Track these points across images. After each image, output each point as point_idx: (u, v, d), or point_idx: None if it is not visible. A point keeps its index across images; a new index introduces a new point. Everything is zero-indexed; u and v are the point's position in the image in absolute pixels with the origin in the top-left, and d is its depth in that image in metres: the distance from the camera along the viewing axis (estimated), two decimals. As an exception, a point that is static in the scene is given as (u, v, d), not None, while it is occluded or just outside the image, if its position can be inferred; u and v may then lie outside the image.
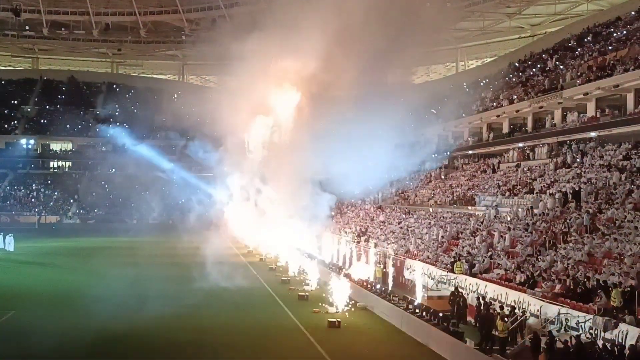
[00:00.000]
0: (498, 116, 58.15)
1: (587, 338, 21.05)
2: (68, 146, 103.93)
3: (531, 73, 61.35)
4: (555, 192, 37.58)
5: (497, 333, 23.23)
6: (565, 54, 59.22)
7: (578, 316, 22.29)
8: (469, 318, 28.85)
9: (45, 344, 24.26)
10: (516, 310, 25.23)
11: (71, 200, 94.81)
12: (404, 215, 54.33)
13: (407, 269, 38.98)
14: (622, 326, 20.32)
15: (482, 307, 26.08)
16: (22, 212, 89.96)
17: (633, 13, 55.72)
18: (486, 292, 28.69)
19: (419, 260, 38.49)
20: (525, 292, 26.45)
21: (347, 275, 36.69)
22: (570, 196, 35.80)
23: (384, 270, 38.40)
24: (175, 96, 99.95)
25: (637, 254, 24.97)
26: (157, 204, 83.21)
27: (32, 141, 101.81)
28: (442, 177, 61.54)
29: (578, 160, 42.54)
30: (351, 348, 25.10)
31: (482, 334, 24.08)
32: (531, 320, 24.48)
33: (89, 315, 28.82)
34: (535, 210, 36.80)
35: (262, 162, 53.06)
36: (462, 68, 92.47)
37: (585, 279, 24.78)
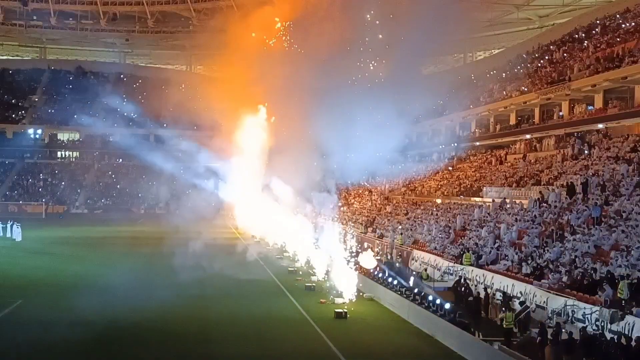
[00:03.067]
0: (505, 107, 58.01)
1: (594, 330, 21.05)
2: (75, 136, 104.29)
3: (539, 64, 61.08)
4: (563, 184, 37.50)
5: (504, 324, 23.25)
6: (573, 45, 58.92)
7: (584, 308, 22.30)
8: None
9: (52, 333, 24.36)
10: (517, 301, 25.29)
11: (78, 190, 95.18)
12: (411, 207, 54.36)
13: (414, 259, 39.04)
14: (629, 318, 20.32)
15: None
16: (30, 201, 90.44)
17: (640, 5, 55.33)
18: (492, 284, 28.73)
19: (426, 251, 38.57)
20: (531, 283, 26.47)
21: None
22: (577, 188, 35.71)
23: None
24: (183, 86, 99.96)
25: (645, 246, 24.92)
26: (164, 193, 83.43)
27: (39, 131, 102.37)
28: (450, 168, 61.49)
29: (585, 152, 42.42)
30: (358, 339, 25.15)
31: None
32: (537, 312, 24.50)
33: (96, 306, 28.90)
34: (542, 202, 36.72)
35: (269, 149, 53.13)
36: (470, 59, 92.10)
37: (592, 271, 24.76)
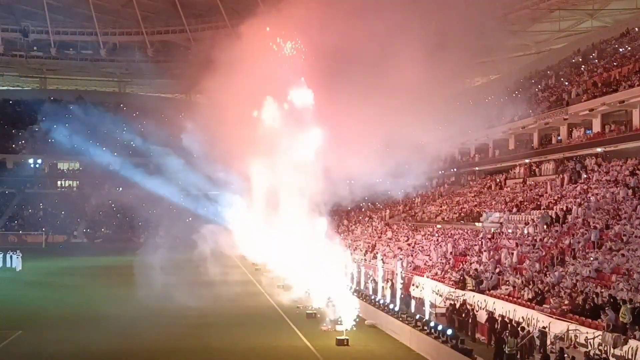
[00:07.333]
0: (504, 132, 58.21)
1: (597, 354, 20.94)
2: (75, 165, 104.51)
3: (536, 89, 61.46)
4: (563, 208, 37.55)
5: (506, 350, 23.12)
6: (570, 70, 59.38)
7: (587, 332, 22.21)
8: (477, 335, 28.78)
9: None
10: (525, 326, 25.17)
11: (78, 220, 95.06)
12: (411, 232, 54.29)
13: (415, 285, 38.90)
14: (632, 342, 20.23)
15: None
16: (30, 231, 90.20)
17: (637, 29, 55.88)
18: (494, 309, 28.62)
19: (427, 276, 38.41)
20: (534, 308, 26.38)
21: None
22: (577, 212, 35.76)
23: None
24: (183, 114, 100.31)
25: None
26: (163, 222, 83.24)
27: (39, 161, 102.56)
28: (449, 193, 61.57)
29: (584, 176, 42.53)
30: (359, 366, 25.04)
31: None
32: (540, 337, 24.38)
33: (97, 336, 28.81)
34: (543, 226, 36.73)
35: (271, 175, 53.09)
36: (467, 85, 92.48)
37: (594, 295, 24.70)
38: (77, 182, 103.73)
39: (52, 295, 42.86)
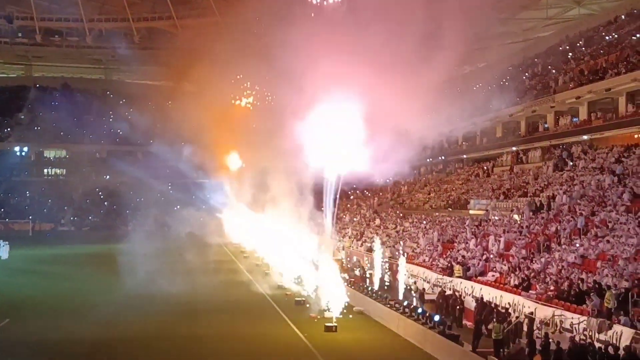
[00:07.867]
0: (491, 120, 58.42)
1: (582, 339, 21.19)
2: (62, 153, 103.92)
3: (524, 77, 61.62)
4: (549, 195, 37.81)
5: (492, 335, 23.34)
6: (557, 58, 59.53)
7: (572, 318, 22.44)
8: (464, 321, 29.02)
9: (40, 353, 24.22)
10: (510, 312, 25.43)
11: (65, 208, 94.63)
12: (399, 220, 54.51)
13: (403, 272, 39.09)
14: (617, 327, 20.47)
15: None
16: (16, 219, 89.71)
17: (624, 17, 56.08)
18: (482, 295, 28.85)
19: (415, 263, 38.65)
20: (520, 294, 26.62)
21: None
22: (563, 199, 36.02)
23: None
24: (170, 102, 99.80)
25: (631, 256, 25.17)
26: (152, 210, 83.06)
27: (25, 148, 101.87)
28: (437, 181, 61.79)
29: (571, 163, 42.82)
30: (348, 353, 25.20)
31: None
32: (526, 323, 24.62)
33: (85, 324, 28.78)
34: (529, 213, 36.97)
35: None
36: (455, 73, 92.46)
37: (579, 281, 24.94)
38: (64, 170, 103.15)
39: (40, 283, 42.75)
